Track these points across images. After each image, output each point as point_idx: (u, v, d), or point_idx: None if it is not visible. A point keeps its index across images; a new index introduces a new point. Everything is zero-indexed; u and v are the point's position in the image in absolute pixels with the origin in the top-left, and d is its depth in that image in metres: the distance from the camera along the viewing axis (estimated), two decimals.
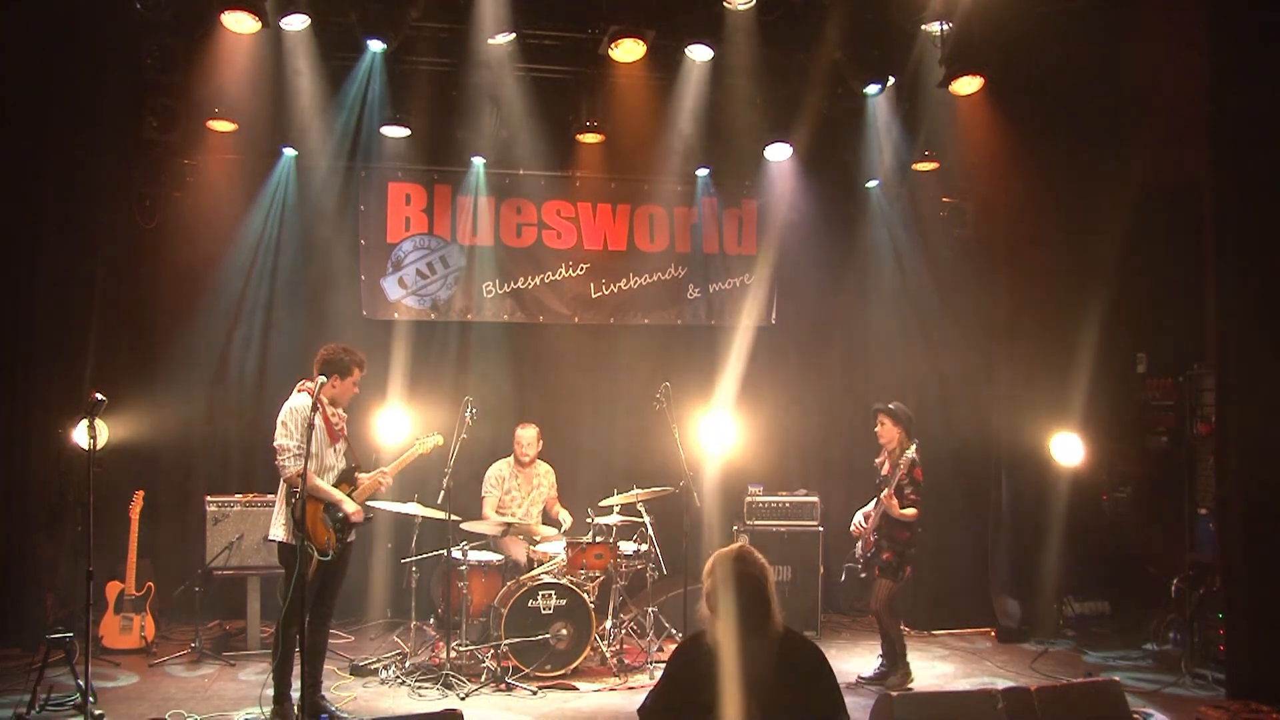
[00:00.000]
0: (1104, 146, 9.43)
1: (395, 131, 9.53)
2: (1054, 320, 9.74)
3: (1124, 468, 9.69)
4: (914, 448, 7.73)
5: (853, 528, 8.10)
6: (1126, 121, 9.35)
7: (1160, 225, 9.23)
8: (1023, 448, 9.67)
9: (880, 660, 8.11)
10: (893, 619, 7.99)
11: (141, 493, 8.64)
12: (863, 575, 8.08)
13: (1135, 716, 6.35)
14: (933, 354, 10.34)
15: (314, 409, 6.49)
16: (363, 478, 7.07)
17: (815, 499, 9.79)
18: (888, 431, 7.98)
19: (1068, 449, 9.29)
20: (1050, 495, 9.68)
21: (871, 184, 10.65)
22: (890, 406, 8.03)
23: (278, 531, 6.78)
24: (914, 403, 8.64)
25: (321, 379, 6.66)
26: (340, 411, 7.03)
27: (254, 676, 8.01)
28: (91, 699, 6.63)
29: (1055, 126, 9.36)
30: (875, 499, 7.99)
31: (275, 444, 6.68)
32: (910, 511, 7.71)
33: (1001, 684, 7.50)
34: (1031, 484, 9.76)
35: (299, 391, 6.88)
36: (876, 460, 8.13)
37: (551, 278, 10.45)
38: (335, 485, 6.87)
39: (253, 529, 8.71)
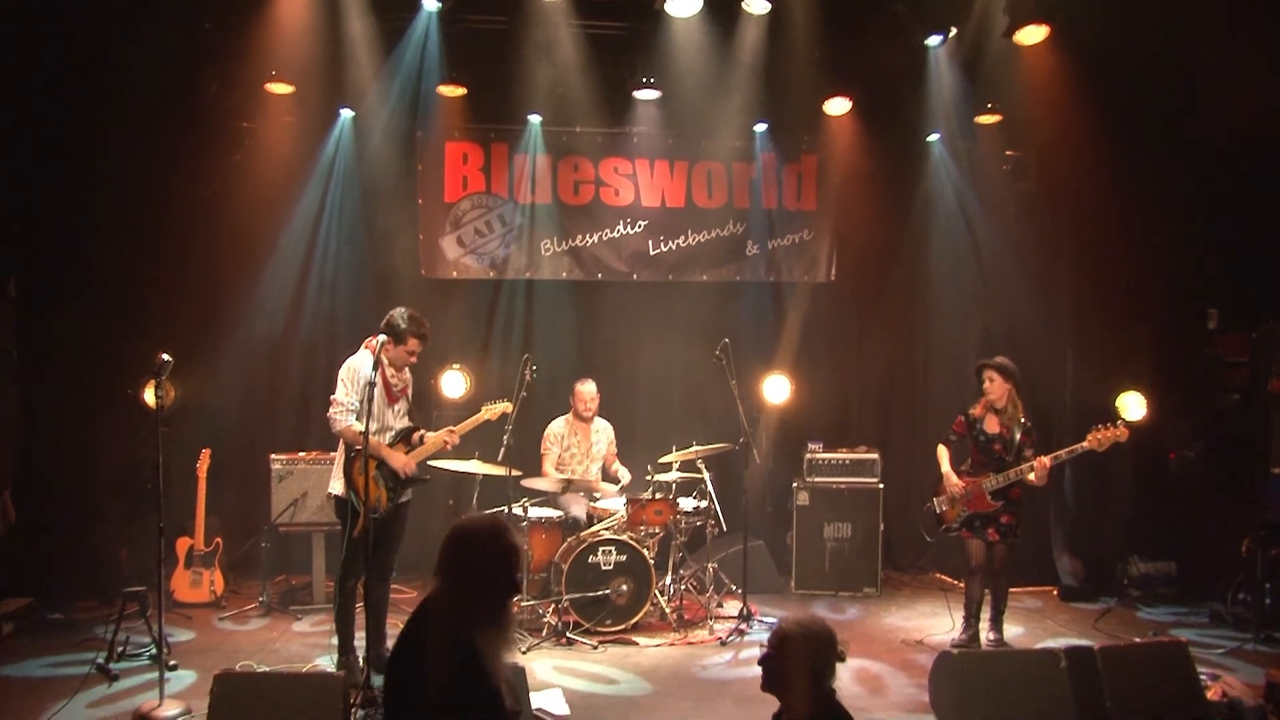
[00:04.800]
0: (1174, 95, 9.18)
1: (451, 91, 9.54)
2: (1121, 275, 9.55)
3: (1193, 425, 9.51)
4: (1020, 403, 7.55)
5: (955, 487, 7.65)
6: (1198, 69, 9.08)
7: (1234, 177, 8.99)
8: (1088, 404, 9.51)
9: (965, 623, 7.83)
10: (982, 584, 7.72)
11: (208, 451, 8.80)
12: (953, 533, 7.75)
13: (1203, 677, 6.29)
14: (995, 310, 10.18)
15: (375, 367, 6.55)
16: (430, 436, 7.12)
17: (876, 456, 9.72)
18: (997, 388, 7.61)
19: (1134, 406, 9.14)
20: (1116, 453, 9.51)
21: (932, 137, 10.49)
22: (997, 361, 7.70)
23: (335, 486, 6.88)
24: (975, 360, 8.49)
25: (381, 338, 6.72)
26: (405, 374, 7.06)
27: (319, 629, 8.19)
28: (165, 649, 6.81)
29: (1122, 76, 9.11)
30: (941, 447, 7.82)
31: (331, 398, 6.79)
32: (1044, 468, 7.35)
33: (1064, 643, 7.41)
34: (1097, 452, 9.60)
35: (363, 348, 6.94)
36: (972, 412, 7.77)
37: (610, 235, 10.43)
38: (392, 445, 6.94)
39: (316, 486, 8.84)
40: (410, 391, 7.19)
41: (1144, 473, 9.62)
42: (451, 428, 7.23)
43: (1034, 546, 9.68)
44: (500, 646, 3.60)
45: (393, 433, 6.99)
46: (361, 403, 6.58)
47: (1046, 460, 7.29)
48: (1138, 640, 7.02)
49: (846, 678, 7.27)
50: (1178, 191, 9.32)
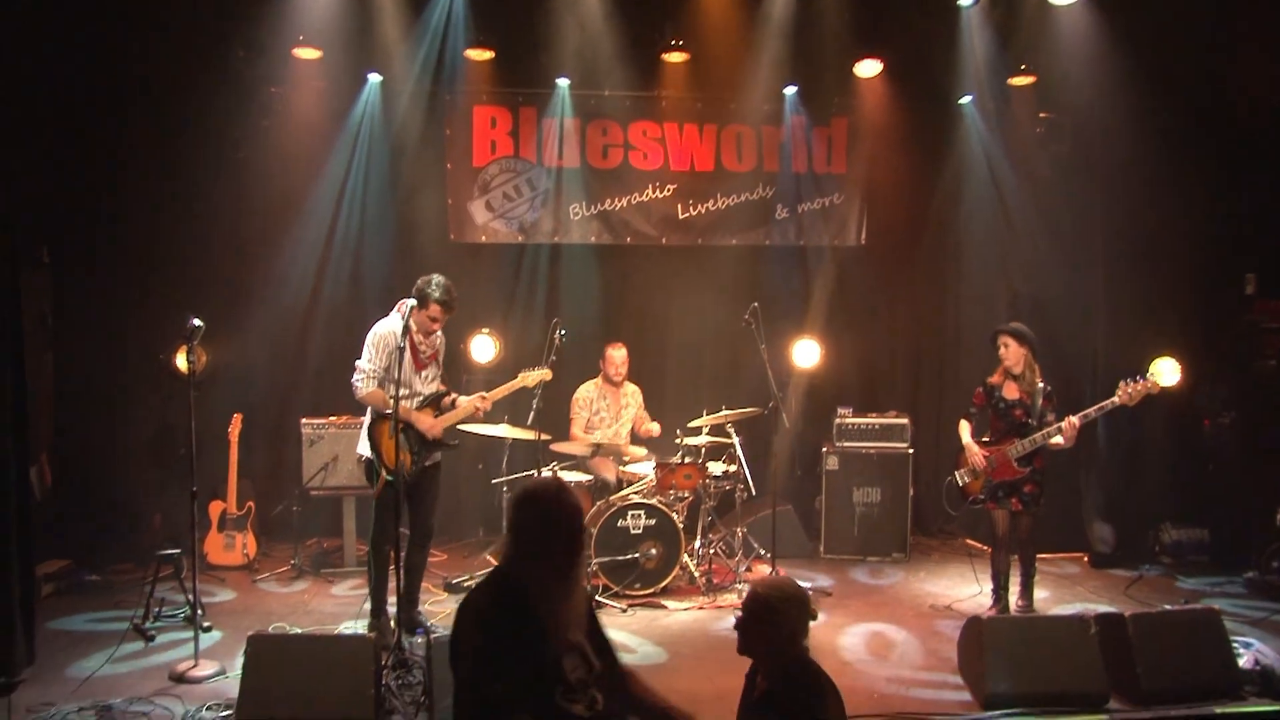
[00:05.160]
0: (1212, 57, 9.02)
1: (479, 54, 9.50)
2: (1156, 240, 9.42)
3: (1227, 392, 9.42)
4: (1038, 369, 7.42)
5: (977, 459, 7.54)
6: (1238, 30, 8.92)
7: (1274, 140, 8.84)
8: (1121, 370, 9.40)
9: (994, 595, 7.69)
10: (1007, 554, 7.58)
11: (240, 416, 8.87)
12: (977, 505, 7.65)
13: (1235, 646, 6.25)
14: (1027, 275, 10.07)
15: (404, 332, 6.56)
16: (461, 401, 7.13)
17: (905, 421, 9.69)
18: (1013, 353, 7.47)
19: (1169, 371, 9.05)
20: (1148, 419, 9.45)
21: (965, 100, 10.36)
22: (1013, 326, 7.58)
23: (363, 448, 6.92)
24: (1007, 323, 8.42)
25: (410, 302, 6.74)
26: (434, 339, 7.05)
27: (351, 592, 8.27)
28: (199, 611, 6.90)
29: (1159, 37, 8.95)
30: (963, 422, 7.77)
31: (355, 364, 6.84)
32: (1068, 434, 7.22)
33: (1094, 610, 7.38)
34: (1130, 407, 9.51)
35: (394, 311, 6.94)
36: (990, 380, 7.64)
37: (638, 199, 10.38)
38: (419, 410, 6.95)
39: (347, 450, 8.89)
40: (442, 357, 7.20)
41: (1178, 439, 9.54)
42: (484, 393, 7.21)
43: (1065, 513, 9.64)
44: (556, 605, 3.62)
45: (420, 398, 7.00)
46: (388, 368, 6.61)
47: (1075, 420, 7.18)
48: (1170, 607, 6.96)
49: (874, 642, 7.28)
50: (1215, 154, 9.18)
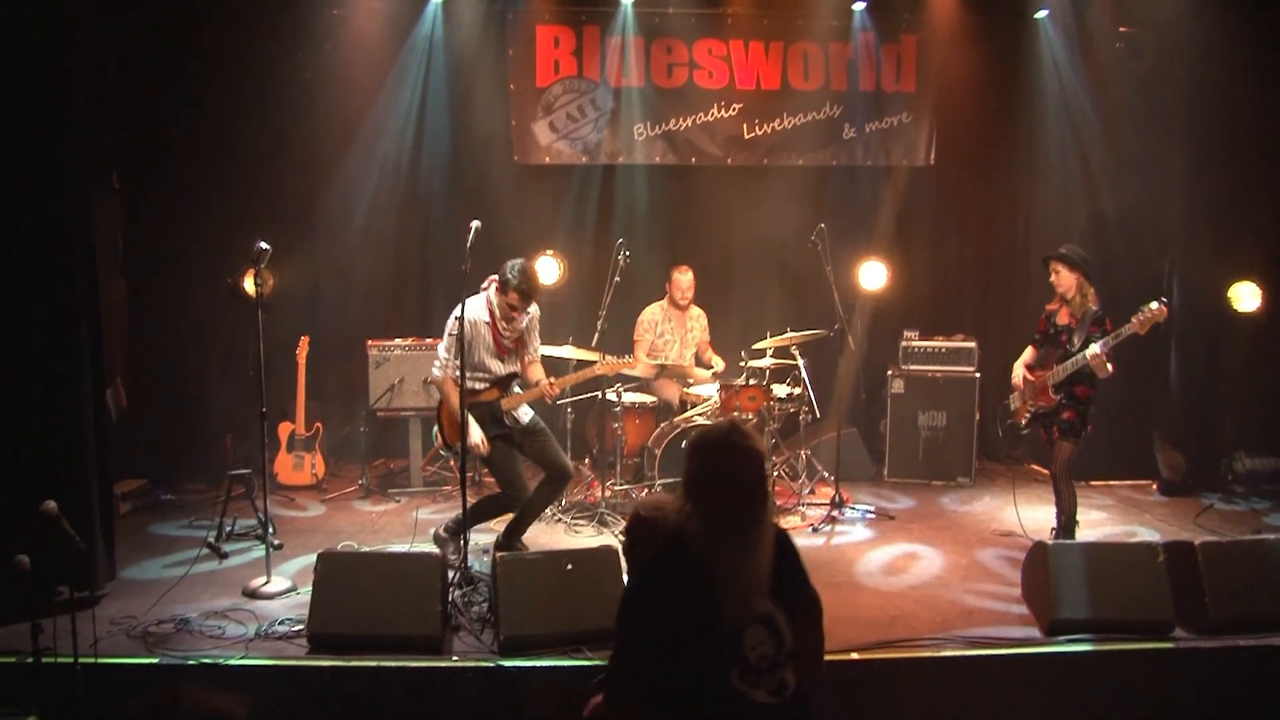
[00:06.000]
0: None
1: None
2: (1237, 162, 9.12)
3: None
4: (1092, 294, 7.13)
5: (1016, 379, 7.55)
6: None
7: None
8: (1197, 294, 9.21)
9: (1056, 520, 7.52)
10: (1068, 482, 7.38)
11: (307, 338, 8.98)
12: (1024, 432, 7.57)
13: None
14: (1102, 197, 9.79)
15: (490, 313, 6.66)
16: (544, 381, 6.97)
17: (973, 344, 9.57)
18: (1064, 279, 7.23)
19: (1248, 297, 8.83)
20: (1224, 345, 9.25)
21: (1040, 14, 10.01)
22: (1062, 251, 7.31)
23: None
24: (1080, 247, 8.21)
25: (495, 282, 6.75)
26: (517, 325, 6.86)
27: (419, 513, 8.39)
28: (270, 529, 7.08)
29: None
30: (1027, 348, 7.62)
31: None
32: (1111, 368, 6.98)
33: (1163, 537, 7.29)
34: (1205, 332, 9.32)
35: (480, 290, 6.91)
36: (1049, 306, 7.45)
37: (703, 119, 10.24)
38: (487, 389, 6.88)
39: (412, 372, 8.99)
40: (530, 344, 7.08)
41: (1255, 367, 9.30)
42: (552, 380, 6.99)
43: (1134, 439, 9.52)
44: (732, 567, 3.15)
45: (491, 377, 6.91)
46: (449, 355, 6.63)
47: (1097, 347, 6.90)
48: (1240, 538, 6.85)
49: (937, 566, 7.27)
50: None
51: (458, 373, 6.41)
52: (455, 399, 6.56)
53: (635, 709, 3.27)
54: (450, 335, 6.67)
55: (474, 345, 6.72)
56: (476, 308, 6.76)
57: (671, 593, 3.18)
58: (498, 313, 6.76)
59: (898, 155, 10.41)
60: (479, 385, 6.85)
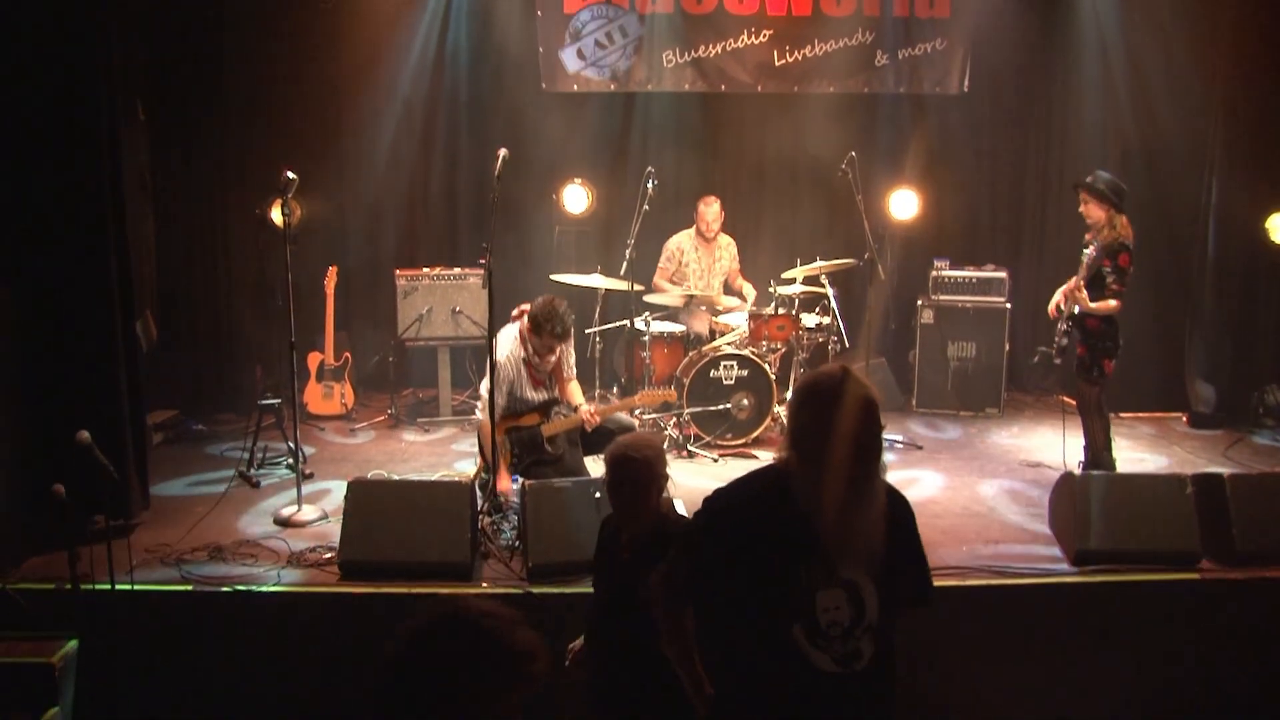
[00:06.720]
0: None
1: None
2: (1277, 93, 8.90)
3: None
4: (1123, 224, 6.98)
5: (1051, 308, 7.39)
6: None
7: None
8: (1233, 225, 9.05)
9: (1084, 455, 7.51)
10: (1094, 418, 7.28)
11: (335, 268, 8.99)
12: (1056, 362, 7.46)
13: None
14: (1140, 126, 9.55)
15: (523, 346, 6.70)
16: (582, 406, 7.00)
17: (1004, 275, 9.49)
18: (1093, 210, 7.09)
19: None
20: (1260, 277, 9.11)
21: None
22: (1088, 181, 7.17)
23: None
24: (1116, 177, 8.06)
25: (525, 313, 6.77)
26: (549, 360, 6.84)
27: (451, 445, 8.45)
28: (301, 459, 7.14)
29: None
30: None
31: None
32: (1107, 305, 6.90)
33: (1191, 470, 7.26)
34: (1241, 264, 9.16)
35: (511, 319, 6.95)
36: (1087, 236, 7.27)
37: (733, 45, 10.07)
38: (525, 414, 6.88)
39: (441, 302, 9.01)
40: (564, 366, 7.09)
41: None
42: (592, 408, 6.97)
43: (1165, 370, 9.43)
44: (835, 523, 2.88)
45: (531, 405, 6.91)
46: (494, 385, 6.53)
47: (1071, 283, 7.00)
48: (1270, 470, 6.82)
49: (963, 496, 7.29)
50: None
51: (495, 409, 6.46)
52: (486, 439, 6.64)
53: (681, 621, 3.22)
54: (490, 370, 6.60)
55: (514, 384, 6.75)
56: (510, 344, 6.78)
57: (760, 531, 2.97)
58: (530, 348, 6.77)
59: (931, 83, 10.21)
60: (520, 410, 6.91)
